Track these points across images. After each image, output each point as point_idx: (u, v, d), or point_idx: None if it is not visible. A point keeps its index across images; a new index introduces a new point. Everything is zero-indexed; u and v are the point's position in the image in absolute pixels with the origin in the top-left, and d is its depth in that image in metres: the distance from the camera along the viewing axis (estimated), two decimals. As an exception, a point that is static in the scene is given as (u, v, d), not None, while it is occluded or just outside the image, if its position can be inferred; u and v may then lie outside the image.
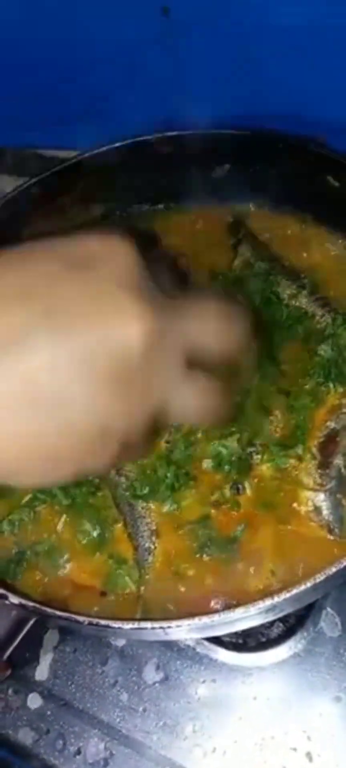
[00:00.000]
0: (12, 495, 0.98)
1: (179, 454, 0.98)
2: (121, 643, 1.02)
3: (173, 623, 0.75)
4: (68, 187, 1.21)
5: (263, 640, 0.99)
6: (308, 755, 0.93)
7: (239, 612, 0.74)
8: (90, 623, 0.76)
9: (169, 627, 0.74)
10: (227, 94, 1.21)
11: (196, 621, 0.75)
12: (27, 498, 0.98)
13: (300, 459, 0.97)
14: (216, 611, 0.76)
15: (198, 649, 1.00)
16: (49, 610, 0.78)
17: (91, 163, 1.19)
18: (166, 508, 0.95)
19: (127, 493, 0.96)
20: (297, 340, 1.09)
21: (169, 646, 1.00)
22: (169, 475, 0.96)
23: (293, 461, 0.97)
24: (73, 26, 1.26)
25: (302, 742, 0.94)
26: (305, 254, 1.17)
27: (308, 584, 0.75)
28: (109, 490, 0.97)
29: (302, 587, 0.75)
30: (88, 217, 1.26)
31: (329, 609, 1.01)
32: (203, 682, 0.98)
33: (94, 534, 0.94)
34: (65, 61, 1.31)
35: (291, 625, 1.00)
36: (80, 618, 0.77)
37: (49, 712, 0.99)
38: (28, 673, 1.02)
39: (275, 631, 1.00)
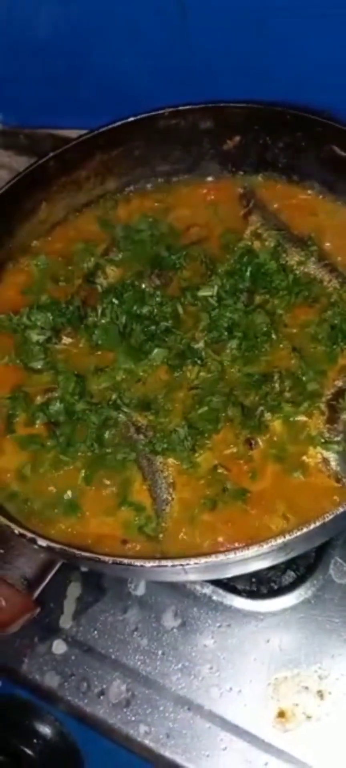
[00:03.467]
0: (33, 446, 1.03)
1: (196, 415, 1.03)
2: (140, 592, 1.07)
3: (192, 561, 0.80)
4: (84, 162, 1.26)
5: (275, 587, 1.05)
6: (320, 693, 0.98)
7: (253, 550, 0.80)
8: (114, 562, 0.82)
9: (187, 564, 0.80)
10: (237, 69, 1.25)
11: (213, 559, 0.80)
12: (50, 457, 1.03)
13: (310, 415, 1.02)
14: (232, 549, 0.81)
15: (214, 597, 1.05)
16: (75, 551, 0.84)
17: (106, 137, 1.24)
18: (184, 466, 1.00)
19: (147, 449, 1.01)
20: (305, 306, 1.14)
21: (186, 593, 1.06)
22: (189, 438, 1.01)
23: (303, 417, 1.02)
24: (86, 9, 1.30)
25: (314, 681, 0.99)
26: (312, 222, 1.21)
27: (318, 523, 0.80)
28: (129, 447, 1.02)
29: (312, 526, 0.80)
30: (103, 191, 1.31)
31: (337, 558, 1.06)
32: (219, 627, 1.04)
33: (115, 487, 1.00)
34: (78, 43, 1.35)
35: (302, 573, 1.05)
36: (105, 558, 0.82)
37: (73, 657, 1.05)
38: (52, 622, 1.07)
39: (287, 579, 1.05)
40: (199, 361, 1.08)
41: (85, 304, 1.17)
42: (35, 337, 1.14)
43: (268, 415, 1.02)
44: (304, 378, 1.06)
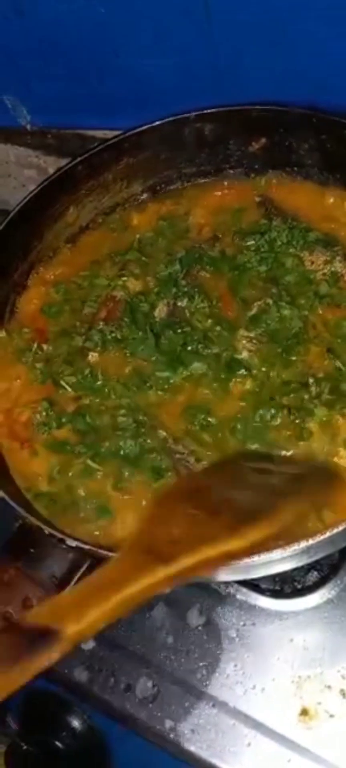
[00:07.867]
0: (63, 451, 1.06)
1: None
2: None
3: (217, 563, 0.81)
4: (112, 165, 1.28)
5: (299, 587, 1.06)
6: (342, 692, 0.99)
7: (276, 553, 0.81)
8: (141, 564, 0.83)
9: (213, 567, 0.81)
10: (262, 70, 1.26)
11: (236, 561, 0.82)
12: (79, 462, 1.04)
13: (343, 416, 1.02)
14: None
15: (238, 596, 1.07)
16: (102, 551, 0.86)
17: (133, 141, 1.25)
18: None
19: (191, 459, 1.01)
20: (333, 306, 1.14)
21: (211, 592, 1.08)
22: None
23: (338, 418, 1.02)
24: (112, 9, 1.32)
25: (337, 680, 1.00)
26: (335, 225, 1.22)
27: (340, 527, 0.81)
28: (166, 455, 1.02)
29: (335, 530, 0.81)
30: (129, 194, 1.33)
31: (362, 559, 1.07)
32: (243, 625, 1.06)
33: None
34: (105, 43, 1.36)
35: (325, 573, 1.06)
36: (131, 559, 0.84)
37: (101, 653, 1.07)
38: (81, 618, 1.10)
39: (310, 579, 1.06)
40: (245, 372, 1.07)
41: (107, 320, 1.16)
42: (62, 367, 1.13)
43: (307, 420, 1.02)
44: (340, 379, 1.05)
